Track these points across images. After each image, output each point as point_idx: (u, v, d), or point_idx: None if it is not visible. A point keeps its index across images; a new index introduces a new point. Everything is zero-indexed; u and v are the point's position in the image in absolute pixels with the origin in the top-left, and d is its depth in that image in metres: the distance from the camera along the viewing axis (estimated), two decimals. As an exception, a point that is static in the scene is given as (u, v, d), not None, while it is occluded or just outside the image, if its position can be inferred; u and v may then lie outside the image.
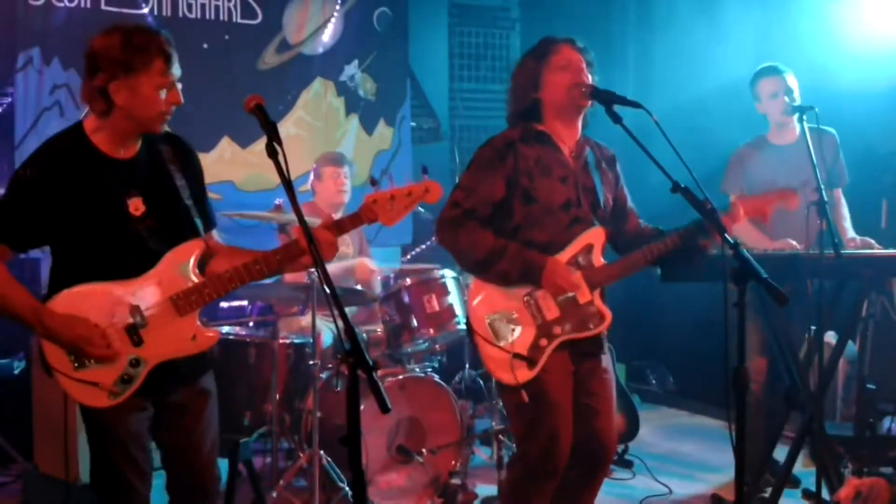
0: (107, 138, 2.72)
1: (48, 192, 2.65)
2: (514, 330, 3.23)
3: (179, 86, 2.74)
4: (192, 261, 2.77)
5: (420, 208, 5.78)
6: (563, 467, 3.30)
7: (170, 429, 2.87)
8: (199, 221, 2.84)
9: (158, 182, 2.79)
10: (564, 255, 3.26)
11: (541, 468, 3.28)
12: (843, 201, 4.60)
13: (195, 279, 2.76)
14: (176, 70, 2.70)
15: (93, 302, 2.67)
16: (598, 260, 3.29)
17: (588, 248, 3.28)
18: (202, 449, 2.92)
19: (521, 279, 3.22)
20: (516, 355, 3.20)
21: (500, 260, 3.20)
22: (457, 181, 3.38)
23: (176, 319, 2.73)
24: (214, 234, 2.98)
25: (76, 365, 2.68)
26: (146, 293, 2.71)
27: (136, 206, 2.73)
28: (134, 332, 2.70)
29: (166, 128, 2.81)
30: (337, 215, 5.36)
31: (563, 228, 3.27)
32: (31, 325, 2.66)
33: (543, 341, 3.23)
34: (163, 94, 2.68)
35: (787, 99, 4.45)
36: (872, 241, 4.28)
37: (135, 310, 2.70)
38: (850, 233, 4.49)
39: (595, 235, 3.30)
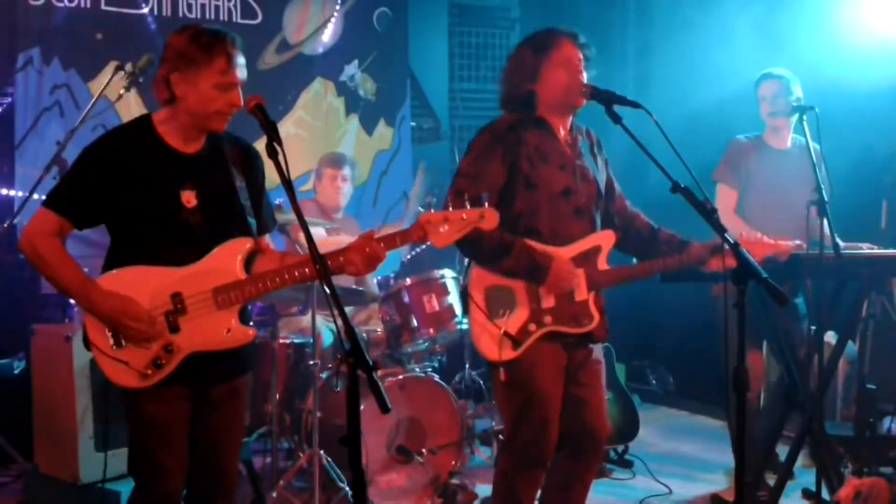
0: (172, 131, 2.81)
1: (110, 171, 2.74)
2: (508, 307, 3.25)
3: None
4: (239, 257, 2.83)
5: (419, 208, 5.80)
6: (551, 457, 3.33)
7: (200, 424, 2.90)
8: (252, 222, 2.90)
9: (216, 179, 2.85)
10: (572, 251, 3.27)
11: (530, 456, 3.30)
12: None
13: (240, 275, 2.80)
14: (240, 73, 2.77)
15: (138, 283, 2.74)
16: (603, 263, 3.31)
17: (596, 250, 3.31)
18: (227, 448, 2.96)
19: (525, 277, 3.25)
20: (506, 334, 3.22)
21: (507, 256, 3.22)
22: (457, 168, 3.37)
23: (214, 312, 2.77)
24: (268, 238, 3.05)
25: (114, 344, 2.74)
26: (191, 282, 2.76)
27: (188, 198, 2.80)
28: (172, 319, 2.74)
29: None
30: (337, 216, 5.36)
31: (565, 217, 3.29)
32: (77, 299, 2.78)
33: (533, 326, 3.25)
34: (222, 93, 2.74)
35: (770, 103, 4.51)
36: (863, 247, 4.29)
37: (176, 297, 2.75)
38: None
39: (604, 238, 3.33)
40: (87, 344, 2.80)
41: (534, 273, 3.22)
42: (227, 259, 2.81)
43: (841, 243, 4.30)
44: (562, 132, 3.35)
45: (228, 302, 2.77)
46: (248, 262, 2.87)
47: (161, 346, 2.74)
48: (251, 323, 2.98)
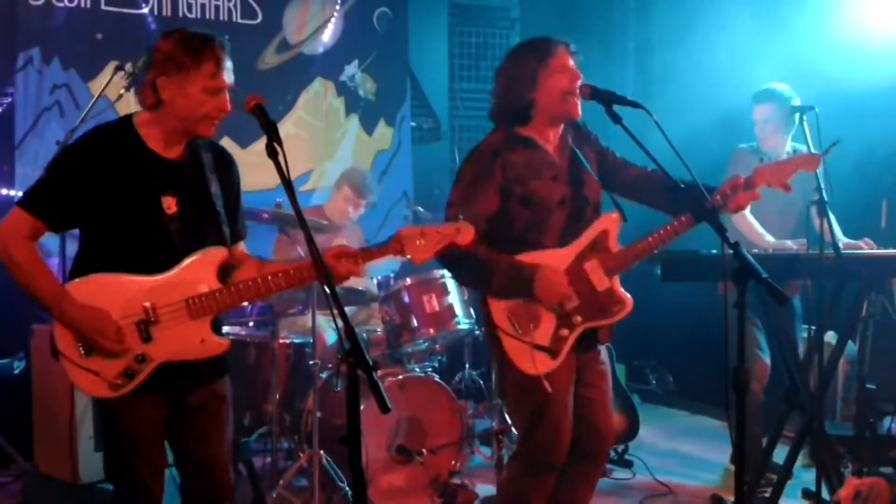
0: (154, 135, 2.77)
1: (87, 173, 2.69)
2: (534, 321, 3.21)
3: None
4: (214, 266, 2.80)
5: (420, 208, 5.80)
6: (562, 461, 3.31)
7: (184, 431, 2.87)
8: (227, 230, 2.88)
9: (195, 187, 2.83)
10: (576, 247, 3.26)
11: (542, 461, 3.29)
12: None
13: (213, 285, 2.78)
14: (227, 77, 2.73)
15: (110, 292, 2.70)
16: (614, 245, 3.27)
17: (603, 236, 3.28)
18: (217, 452, 2.92)
19: (515, 292, 3.20)
20: (537, 346, 3.19)
21: (492, 277, 3.18)
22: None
23: (187, 322, 2.74)
24: (242, 245, 3.01)
25: (83, 352, 2.70)
26: (164, 291, 2.73)
27: (168, 204, 2.76)
28: (144, 329, 2.72)
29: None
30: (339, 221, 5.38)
31: (565, 224, 3.27)
32: (49, 307, 2.69)
33: (564, 331, 3.21)
34: (211, 97, 2.71)
35: (760, 129, 4.69)
36: (862, 244, 4.28)
37: (149, 306, 2.72)
38: (843, 239, 4.49)
39: (609, 221, 3.29)
40: (55, 352, 2.74)
41: (521, 285, 3.16)
42: (201, 269, 2.77)
43: (843, 239, 4.31)
44: (551, 137, 3.33)
45: (202, 312, 2.74)
46: (223, 271, 2.84)
47: (133, 356, 2.70)
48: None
